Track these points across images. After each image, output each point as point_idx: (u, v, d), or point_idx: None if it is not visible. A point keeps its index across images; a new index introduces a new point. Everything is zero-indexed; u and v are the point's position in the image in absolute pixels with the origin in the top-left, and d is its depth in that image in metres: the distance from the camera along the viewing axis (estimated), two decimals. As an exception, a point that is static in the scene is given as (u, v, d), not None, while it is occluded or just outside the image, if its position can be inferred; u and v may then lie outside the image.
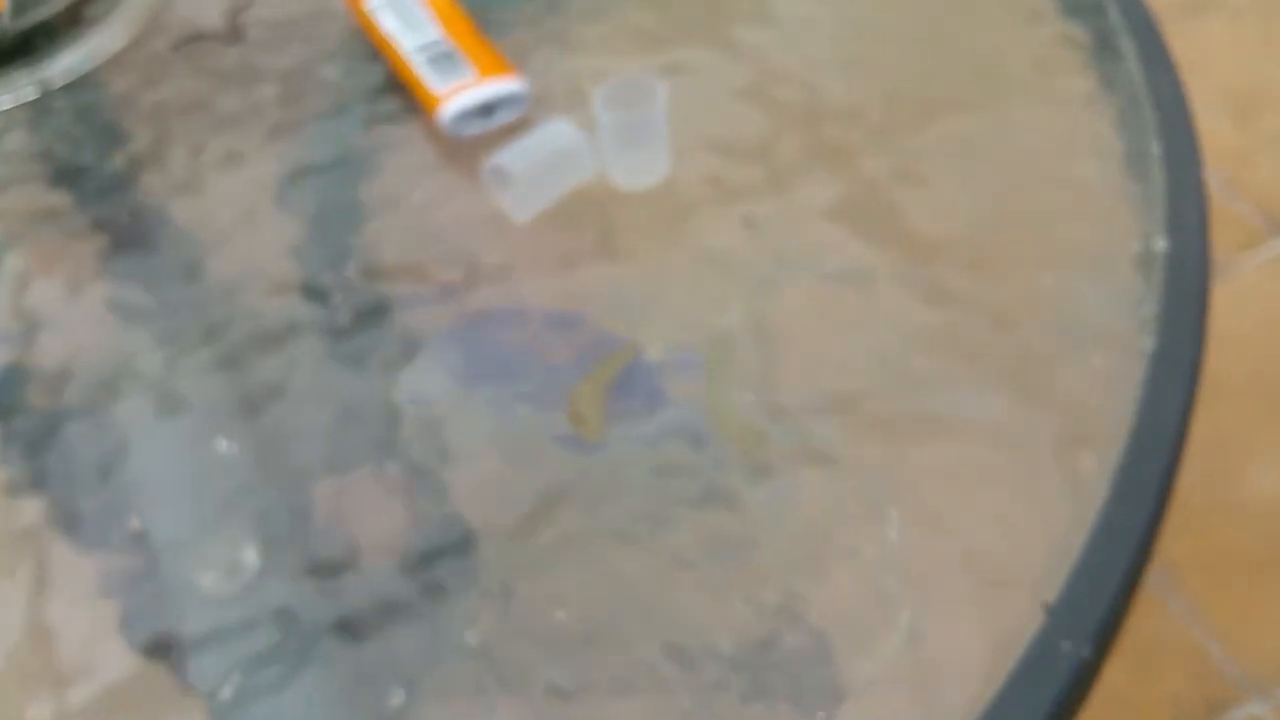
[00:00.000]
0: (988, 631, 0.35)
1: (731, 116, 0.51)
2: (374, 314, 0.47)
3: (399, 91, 0.55)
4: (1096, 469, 0.38)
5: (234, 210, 0.53)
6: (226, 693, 0.37)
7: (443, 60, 0.52)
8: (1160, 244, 0.43)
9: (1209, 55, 1.57)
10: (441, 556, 0.39)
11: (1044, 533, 0.37)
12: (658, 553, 0.38)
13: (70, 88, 0.61)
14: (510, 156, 0.47)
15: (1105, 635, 0.34)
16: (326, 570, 0.40)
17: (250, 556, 0.41)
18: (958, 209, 0.47)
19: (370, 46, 0.57)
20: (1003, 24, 0.54)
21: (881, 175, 0.48)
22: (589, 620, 0.37)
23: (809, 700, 0.34)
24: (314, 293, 0.49)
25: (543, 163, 0.47)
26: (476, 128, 0.51)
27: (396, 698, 0.36)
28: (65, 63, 0.62)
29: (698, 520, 0.39)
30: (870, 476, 0.39)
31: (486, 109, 0.51)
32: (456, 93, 0.51)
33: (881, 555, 0.37)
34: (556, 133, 0.47)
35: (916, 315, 0.43)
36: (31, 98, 0.62)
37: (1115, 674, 1.13)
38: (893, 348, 0.43)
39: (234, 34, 0.61)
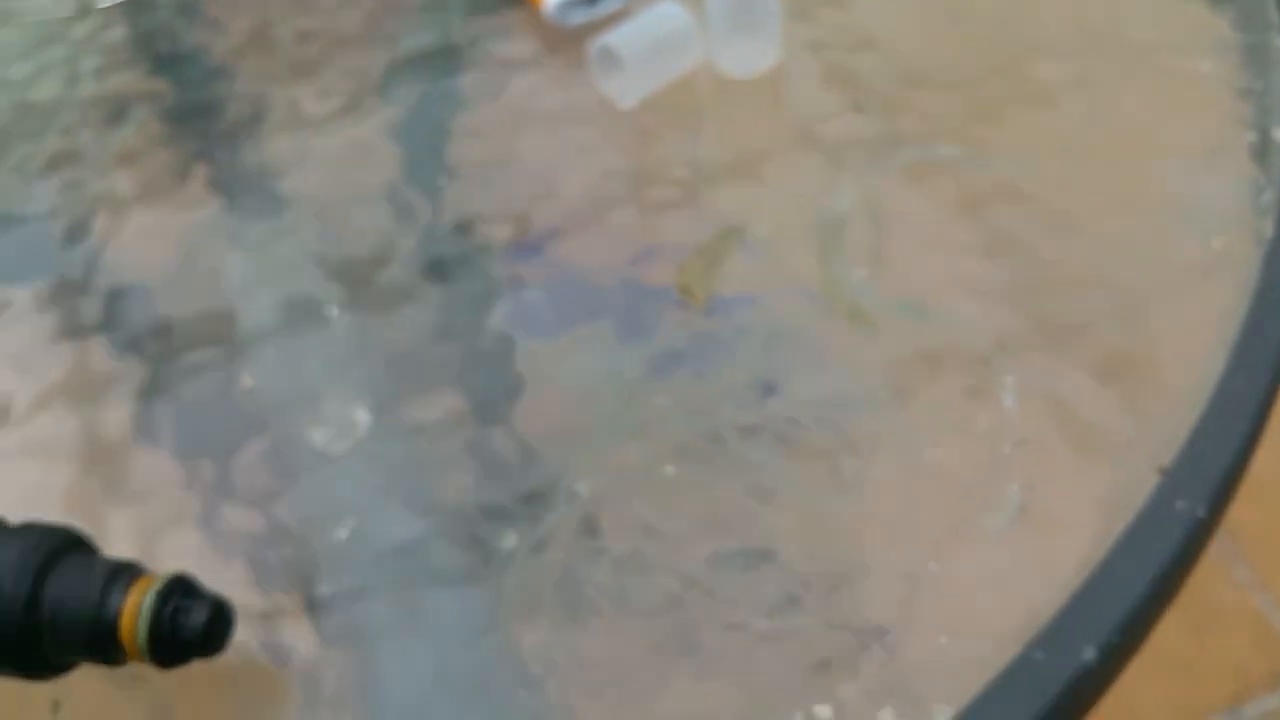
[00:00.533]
0: (1104, 496, 0.35)
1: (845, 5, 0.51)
2: (475, 199, 0.47)
3: (502, -15, 0.55)
4: (1216, 345, 0.37)
5: (337, 98, 0.53)
6: (341, 534, 0.37)
7: (548, -51, 0.52)
8: (1278, 134, 0.43)
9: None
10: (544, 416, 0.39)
11: (1162, 405, 0.36)
12: (768, 417, 0.38)
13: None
14: (618, 38, 0.47)
15: (1220, 496, 0.34)
16: (437, 431, 0.40)
17: (362, 416, 0.41)
18: (1077, 101, 0.46)
19: (472, -58, 0.57)
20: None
21: (997, 65, 0.48)
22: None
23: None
24: (416, 178, 0.49)
25: (651, 46, 0.47)
26: (581, 16, 0.51)
27: (508, 541, 0.36)
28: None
29: (811, 389, 0.39)
30: (983, 348, 0.39)
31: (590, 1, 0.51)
32: (560, -20, 0.51)
33: (996, 423, 0.37)
34: (666, 15, 0.47)
35: (1033, 201, 0.43)
36: (132, -5, 0.62)
37: (1177, 638, 1.12)
38: (1005, 229, 0.42)
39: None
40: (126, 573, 0.31)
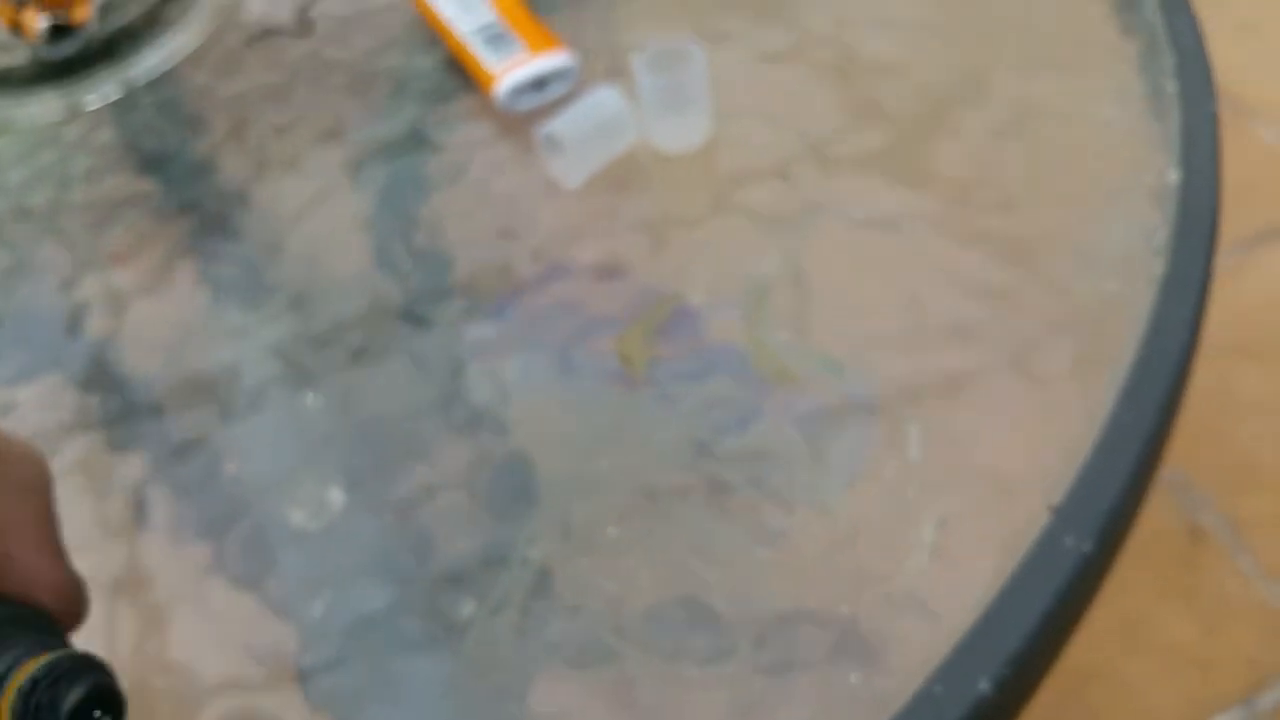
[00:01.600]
0: (1003, 535, 0.38)
1: (768, 80, 0.55)
2: (439, 276, 0.51)
3: (456, 72, 0.59)
4: (1107, 384, 0.40)
5: (311, 188, 0.57)
6: (319, 608, 0.41)
7: (497, 40, 0.56)
8: (1172, 176, 0.46)
9: None
10: (505, 482, 0.43)
11: (1057, 445, 0.40)
12: (701, 476, 0.42)
13: (153, 85, 0.66)
14: (560, 124, 0.51)
15: (1108, 532, 0.37)
16: (405, 505, 0.44)
17: (336, 495, 0.45)
18: (987, 154, 0.50)
19: (429, 33, 0.61)
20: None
21: (910, 125, 0.51)
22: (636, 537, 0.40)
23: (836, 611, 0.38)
24: (386, 261, 0.53)
25: (590, 129, 0.50)
26: (530, 101, 0.55)
27: (467, 608, 0.40)
28: (147, 62, 0.67)
29: (739, 446, 0.42)
30: (894, 402, 0.42)
31: (538, 83, 0.55)
32: (510, 69, 0.55)
33: (903, 471, 0.40)
34: (602, 100, 0.50)
35: (945, 255, 0.46)
36: (117, 97, 0.67)
37: (1187, 634, 1.14)
38: (922, 288, 0.46)
39: (303, 29, 0.65)
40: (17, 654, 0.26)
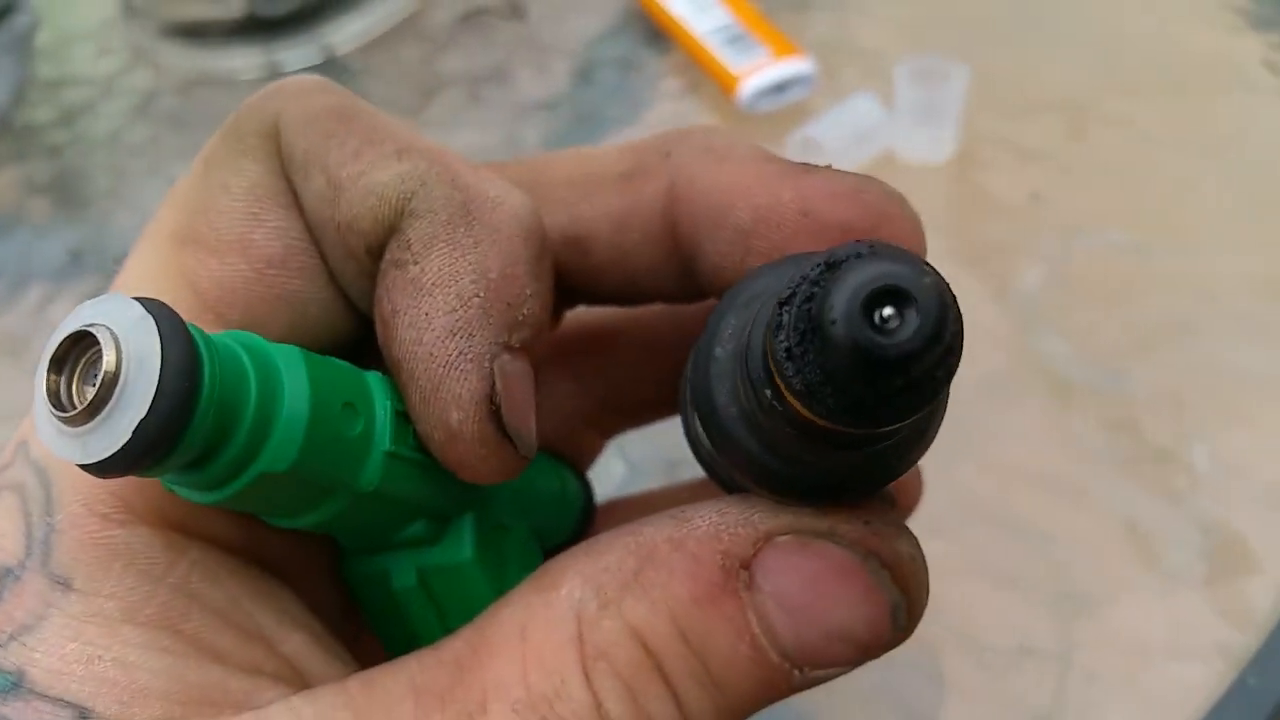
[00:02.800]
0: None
1: (1021, 103, 0.57)
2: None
3: (684, 70, 0.61)
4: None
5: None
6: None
7: (737, 41, 0.58)
8: None
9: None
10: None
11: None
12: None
13: (357, 52, 0.67)
14: (820, 128, 0.53)
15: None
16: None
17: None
18: (1223, 187, 0.53)
19: (650, 26, 0.63)
20: None
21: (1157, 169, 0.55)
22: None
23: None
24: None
25: (848, 136, 0.53)
26: (769, 104, 0.57)
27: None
28: (351, 29, 0.68)
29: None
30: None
31: (778, 87, 0.57)
32: (755, 71, 0.57)
33: (1190, 483, 0.43)
34: (863, 109, 0.53)
35: (1190, 280, 0.49)
36: (316, 61, 0.68)
37: None
38: (1169, 308, 0.49)
39: (514, 10, 0.67)
40: None
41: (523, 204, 0.21)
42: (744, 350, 0.18)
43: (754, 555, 0.19)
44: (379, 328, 0.21)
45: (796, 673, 0.19)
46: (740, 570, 0.19)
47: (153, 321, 0.17)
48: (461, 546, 0.21)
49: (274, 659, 0.20)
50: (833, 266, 0.15)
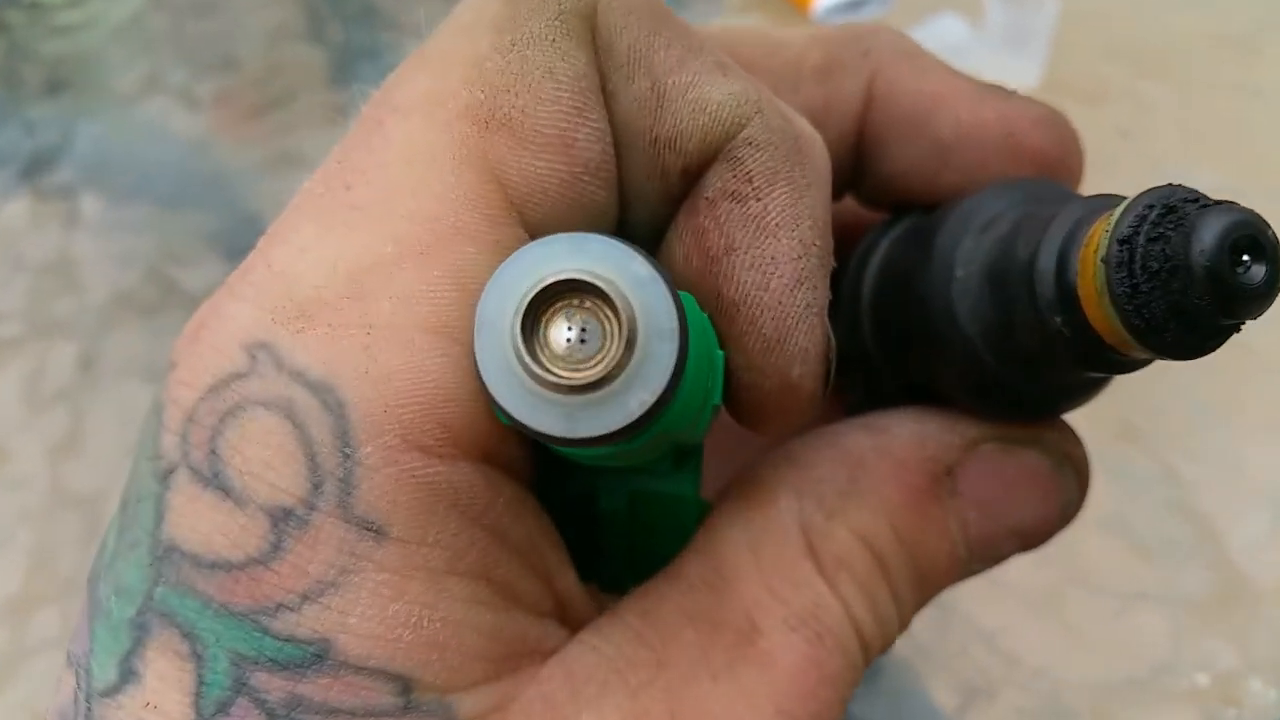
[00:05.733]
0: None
1: (1111, 37, 0.55)
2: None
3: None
4: None
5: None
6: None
7: (816, -49, 0.55)
8: None
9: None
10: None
11: None
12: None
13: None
14: (904, 46, 0.50)
15: None
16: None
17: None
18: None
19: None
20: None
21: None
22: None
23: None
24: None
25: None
26: (843, 16, 0.55)
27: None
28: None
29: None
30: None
31: (855, 2, 0.54)
32: (831, -16, 0.54)
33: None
34: (949, 27, 0.50)
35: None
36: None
37: None
38: None
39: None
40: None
41: (822, 140, 0.19)
42: (1003, 273, 0.18)
43: (958, 461, 0.20)
44: (695, 260, 0.18)
45: (971, 566, 0.20)
46: (944, 475, 0.20)
47: (664, 286, 0.15)
48: (686, 479, 0.20)
49: (550, 597, 0.18)
50: (1172, 210, 0.16)
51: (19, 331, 0.48)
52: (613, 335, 0.14)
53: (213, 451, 0.16)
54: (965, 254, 0.20)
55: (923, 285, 0.20)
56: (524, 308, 0.14)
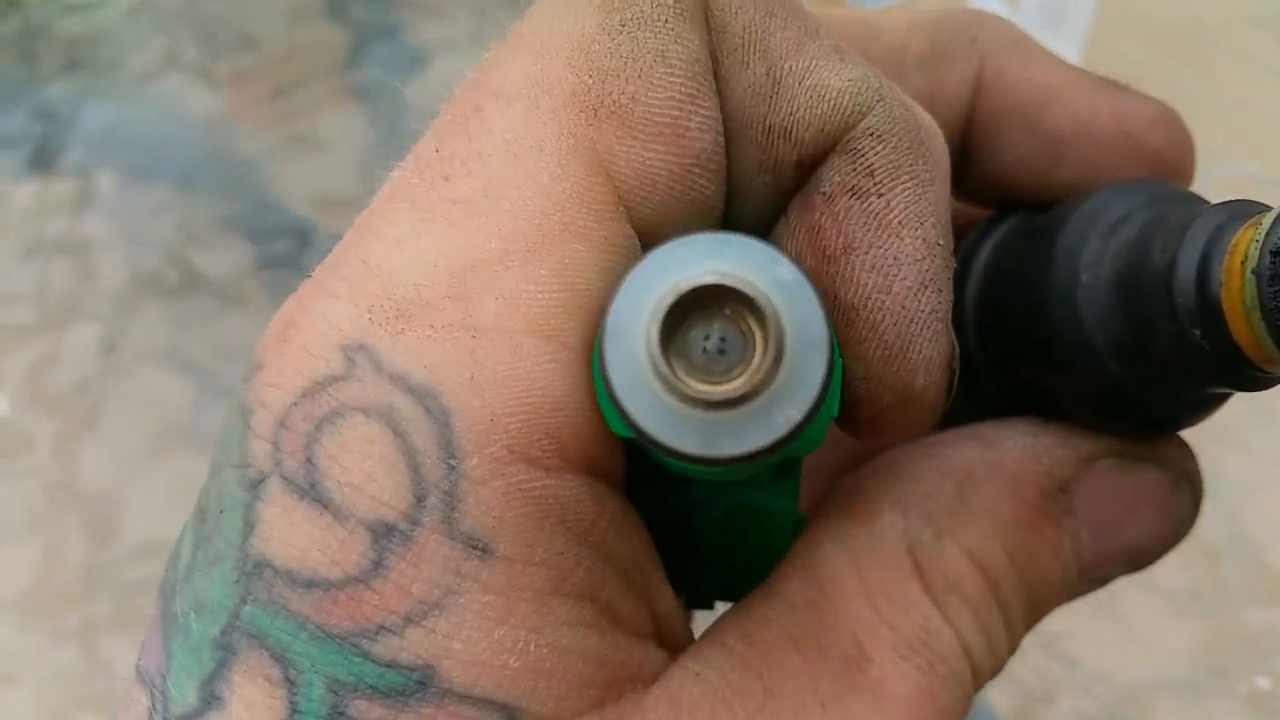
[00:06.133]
0: None
1: (1151, 23, 0.54)
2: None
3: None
4: None
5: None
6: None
7: (845, -70, 0.54)
8: None
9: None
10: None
11: None
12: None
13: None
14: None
15: None
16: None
17: None
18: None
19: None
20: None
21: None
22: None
23: None
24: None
25: (970, 38, 0.49)
26: (879, 1, 0.54)
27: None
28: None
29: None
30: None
31: (889, -17, 0.53)
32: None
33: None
34: (987, 6, 0.49)
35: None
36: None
37: None
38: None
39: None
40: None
41: (941, 132, 0.18)
42: (1136, 280, 0.17)
43: (1074, 477, 0.19)
44: (810, 260, 0.17)
45: (1080, 587, 0.19)
46: (1059, 493, 0.19)
47: (812, 291, 0.13)
48: (785, 491, 0.19)
49: (650, 617, 0.17)
50: None
51: (31, 318, 0.47)
52: (756, 345, 0.13)
53: (309, 460, 0.15)
54: (1091, 257, 0.18)
55: (1042, 289, 0.19)
56: (663, 316, 0.13)
